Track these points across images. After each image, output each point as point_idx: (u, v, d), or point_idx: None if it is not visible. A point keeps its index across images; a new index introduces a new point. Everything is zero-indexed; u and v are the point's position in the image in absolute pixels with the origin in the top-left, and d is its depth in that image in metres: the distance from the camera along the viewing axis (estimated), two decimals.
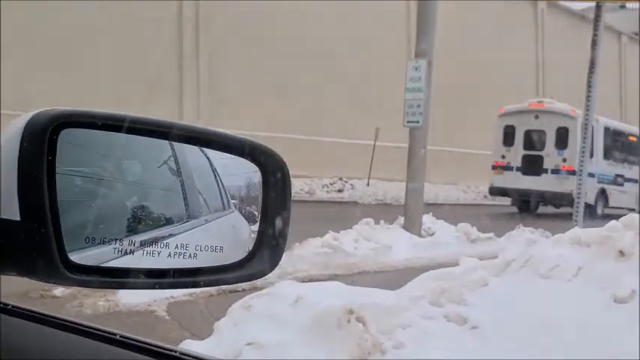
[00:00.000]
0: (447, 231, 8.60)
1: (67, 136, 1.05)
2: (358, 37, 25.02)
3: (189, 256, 1.26)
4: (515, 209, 21.69)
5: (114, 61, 19.15)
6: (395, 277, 7.06)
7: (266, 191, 1.35)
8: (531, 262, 4.26)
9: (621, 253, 4.01)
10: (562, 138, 19.57)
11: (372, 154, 23.97)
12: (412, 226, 8.17)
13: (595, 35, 6.26)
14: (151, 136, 1.24)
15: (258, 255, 1.31)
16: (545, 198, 19.96)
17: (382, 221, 8.26)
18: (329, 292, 4.56)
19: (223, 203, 1.50)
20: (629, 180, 21.54)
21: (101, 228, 1.15)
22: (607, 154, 21.21)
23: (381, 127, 23.90)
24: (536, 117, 19.44)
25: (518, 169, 20.53)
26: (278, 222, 1.31)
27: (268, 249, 1.31)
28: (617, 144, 21.89)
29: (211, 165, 1.46)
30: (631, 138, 22.29)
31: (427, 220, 8.64)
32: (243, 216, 1.43)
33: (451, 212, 18.76)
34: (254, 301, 4.61)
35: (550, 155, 19.91)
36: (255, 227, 1.35)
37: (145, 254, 1.20)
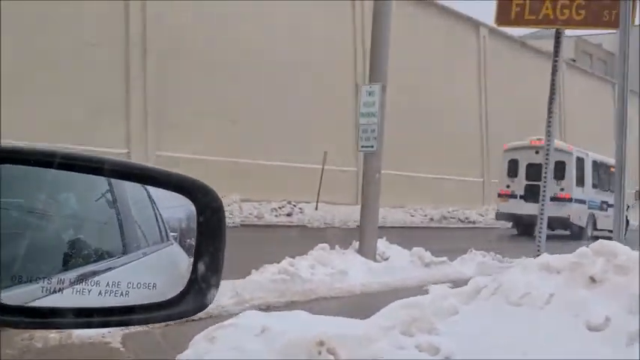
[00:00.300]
0: (401, 255, 8.53)
1: (3, 170, 1.04)
2: (306, 61, 25.09)
3: (121, 293, 1.26)
4: (514, 231, 24.11)
5: (59, 85, 18.73)
6: (352, 303, 6.94)
7: (200, 227, 1.35)
8: (501, 289, 4.19)
9: (592, 279, 3.98)
10: (559, 170, 21.78)
11: (320, 178, 23.93)
12: (367, 251, 8.08)
13: (555, 61, 6.37)
14: (84, 172, 1.24)
15: (192, 292, 1.30)
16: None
17: (337, 246, 8.12)
18: (295, 322, 4.42)
19: (162, 236, 1.53)
20: (611, 206, 23.87)
21: (30, 265, 1.13)
22: (595, 184, 24.56)
23: (329, 151, 23.94)
24: (537, 152, 21.00)
25: (521, 197, 23.21)
26: (212, 258, 1.32)
27: (202, 286, 1.30)
28: (602, 174, 25.09)
29: (150, 197, 1.48)
30: (611, 169, 23.53)
31: (381, 244, 8.56)
32: (184, 248, 1.42)
33: (401, 235, 18.82)
34: (218, 332, 4.43)
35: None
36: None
37: (74, 292, 1.18)
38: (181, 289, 1.33)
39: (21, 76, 18.01)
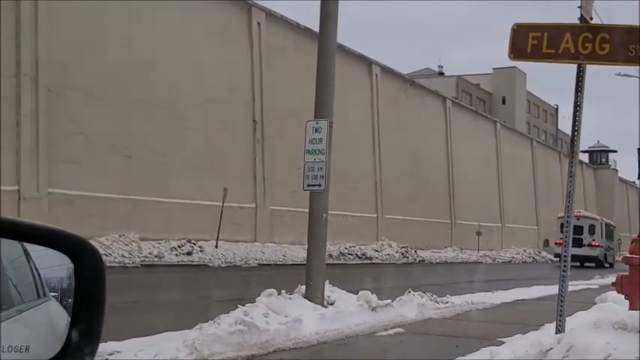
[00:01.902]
0: (347, 299, 8.25)
1: None
2: (203, 97, 24.71)
3: None
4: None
5: None
6: (311, 355, 6.60)
7: (78, 283, 1.27)
8: (575, 351, 3.91)
9: None
10: (592, 229, 39.70)
11: (220, 215, 23.44)
12: (315, 296, 7.77)
13: (577, 97, 6.20)
14: None
15: (69, 354, 1.22)
16: (583, 258, 37.18)
17: (283, 292, 7.74)
18: None
19: (38, 292, 1.47)
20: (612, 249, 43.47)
21: None
22: (606, 236, 41.54)
23: (227, 187, 23.49)
24: (578, 219, 32.01)
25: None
26: (90, 323, 1.25)
27: (81, 347, 1.23)
28: (608, 231, 43.13)
29: (25, 252, 1.41)
30: (612, 227, 44.75)
31: (325, 288, 8.24)
32: (64, 307, 1.35)
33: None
34: None
35: (586, 237, 38.65)
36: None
37: None
38: (57, 350, 1.24)
39: None
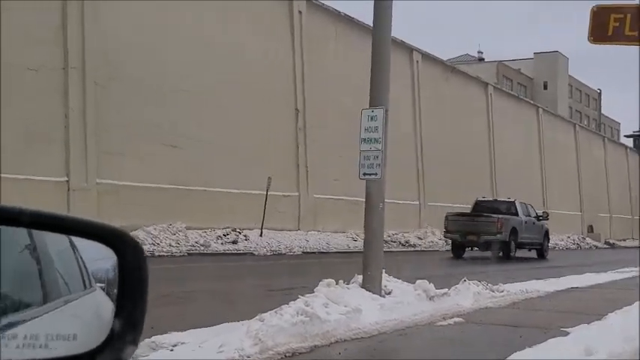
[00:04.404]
0: (404, 288, 8.19)
1: None
2: (246, 86, 24.74)
3: (40, 346, 1.22)
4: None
5: None
6: (373, 346, 6.57)
7: (122, 275, 1.32)
8: None
9: None
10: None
11: (264, 204, 23.50)
12: (372, 286, 7.71)
13: None
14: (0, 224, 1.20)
15: (113, 343, 1.26)
16: None
17: (341, 281, 7.72)
18: None
19: (84, 283, 1.52)
20: None
21: None
22: None
23: (271, 176, 23.55)
24: None
25: None
26: (132, 313, 1.29)
27: (124, 336, 1.27)
28: None
29: (72, 244, 1.47)
30: None
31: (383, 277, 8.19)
32: (110, 298, 1.38)
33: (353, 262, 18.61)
34: None
35: None
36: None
37: None
38: (104, 335, 1.28)
39: None
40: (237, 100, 24.53)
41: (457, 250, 24.45)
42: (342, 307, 6.99)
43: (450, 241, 25.64)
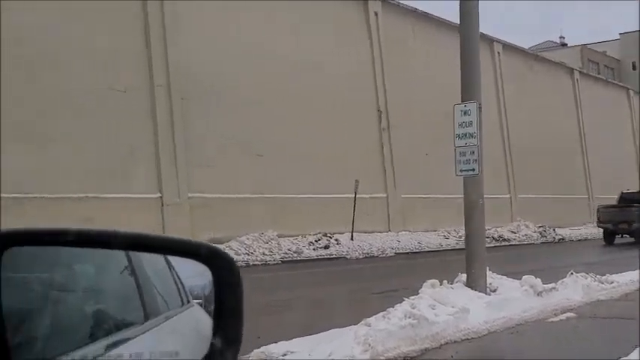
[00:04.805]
0: (509, 284, 7.94)
1: (12, 254, 1.03)
2: (327, 90, 24.77)
3: None
4: None
5: (88, 132, 18.39)
6: (485, 346, 6.38)
7: (218, 291, 1.34)
8: None
9: None
10: None
11: (353, 207, 23.45)
12: (477, 284, 7.52)
13: None
14: (94, 247, 1.24)
15: (215, 354, 1.28)
16: None
17: (445, 281, 7.54)
18: None
19: (182, 299, 1.56)
20: None
21: (51, 342, 1.11)
22: None
23: (358, 179, 23.46)
24: None
25: None
26: (231, 327, 1.30)
27: (224, 351, 1.28)
28: None
29: (169, 264, 1.49)
30: None
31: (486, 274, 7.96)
32: (209, 314, 1.39)
33: (448, 260, 18.28)
34: None
35: None
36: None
37: None
38: (204, 354, 1.30)
39: (49, 125, 17.62)
40: (319, 106, 24.58)
41: (609, 237, 27.40)
42: (449, 307, 6.84)
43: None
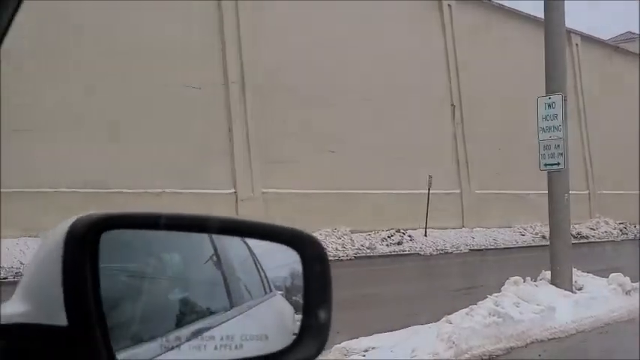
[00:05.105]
0: (596, 283, 7.66)
1: (107, 237, 1.06)
2: (399, 85, 24.51)
3: (236, 346, 1.27)
4: None
5: (162, 130, 18.70)
6: (574, 346, 6.15)
7: (307, 277, 1.34)
8: None
9: None
10: None
11: (427, 203, 23.18)
12: (562, 282, 7.29)
13: None
14: (187, 231, 1.29)
15: (303, 341, 1.29)
16: None
17: (529, 278, 7.33)
18: None
19: (264, 288, 1.58)
20: None
21: (146, 324, 1.17)
22: None
23: (431, 174, 23.19)
24: None
25: None
26: (321, 306, 1.31)
27: (313, 334, 1.29)
28: None
29: (251, 251, 1.52)
30: None
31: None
32: (290, 303, 1.42)
33: (526, 257, 17.89)
34: None
35: None
36: (299, 316, 1.34)
37: (191, 348, 1.20)
38: (289, 338, 1.32)
39: (125, 123, 18.01)
40: (392, 101, 24.38)
41: None
42: (533, 305, 6.65)
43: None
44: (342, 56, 23.07)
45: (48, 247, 1.05)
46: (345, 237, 20.63)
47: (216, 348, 1.25)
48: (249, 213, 19.66)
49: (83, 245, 1.02)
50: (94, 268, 1.03)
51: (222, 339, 1.27)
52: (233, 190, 20.22)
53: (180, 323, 1.24)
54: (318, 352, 1.30)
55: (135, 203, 17.17)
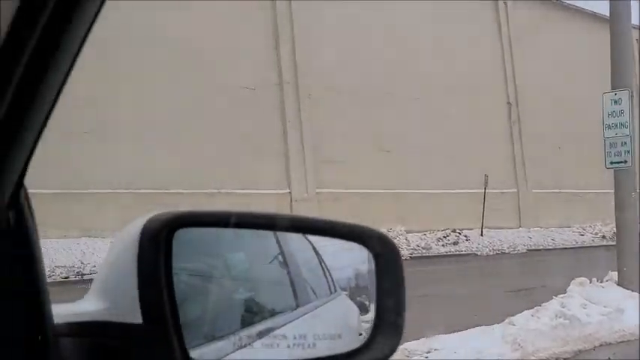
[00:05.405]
0: None
1: (180, 236, 1.08)
2: (453, 84, 24.26)
3: (309, 345, 1.27)
4: None
5: (218, 130, 18.90)
6: None
7: (379, 275, 1.33)
8: None
9: None
10: None
11: (483, 202, 22.88)
12: (630, 283, 7.05)
13: None
14: (257, 229, 1.30)
15: (376, 340, 1.27)
16: None
17: (594, 279, 7.13)
18: None
19: (329, 288, 1.56)
20: None
21: (215, 322, 1.20)
22: None
23: (487, 174, 22.88)
24: None
25: None
26: (394, 305, 1.30)
27: (386, 333, 1.28)
28: None
29: (315, 251, 1.50)
30: None
31: None
32: (355, 304, 1.41)
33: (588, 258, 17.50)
34: None
35: None
36: (366, 317, 1.33)
37: (263, 346, 1.21)
38: (356, 338, 1.32)
39: (181, 124, 18.21)
40: (447, 100, 24.13)
41: None
42: (601, 307, 6.47)
43: None
44: (397, 55, 22.92)
45: (122, 245, 1.07)
46: (400, 237, 20.48)
47: (289, 347, 1.25)
48: (304, 213, 19.65)
49: (157, 244, 1.04)
50: (168, 266, 1.04)
51: (294, 338, 1.27)
52: (287, 191, 20.29)
53: (248, 322, 1.24)
54: (392, 351, 1.28)
55: (190, 204, 17.35)
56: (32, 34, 0.82)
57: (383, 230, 1.41)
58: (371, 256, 1.34)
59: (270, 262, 1.44)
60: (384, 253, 1.34)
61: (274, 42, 20.70)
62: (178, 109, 18.22)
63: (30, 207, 0.95)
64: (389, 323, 1.29)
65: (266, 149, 19.99)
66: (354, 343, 1.32)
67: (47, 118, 0.91)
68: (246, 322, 1.24)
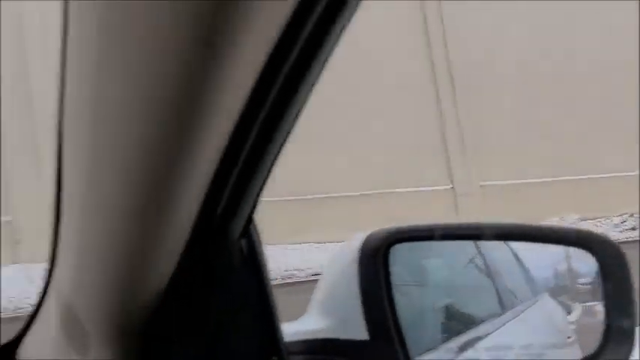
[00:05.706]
0: None
1: (395, 251, 1.13)
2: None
3: (536, 355, 1.32)
4: None
5: (375, 132, 19.11)
6: None
7: (605, 281, 1.32)
8: None
9: None
10: None
11: None
12: None
13: None
14: (465, 239, 1.36)
15: (608, 348, 1.25)
16: None
17: None
18: None
19: (531, 290, 1.61)
20: None
21: (428, 332, 1.24)
22: None
23: None
24: None
25: None
26: (622, 312, 1.27)
27: (616, 341, 1.25)
28: None
29: (513, 252, 1.56)
30: None
31: None
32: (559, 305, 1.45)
33: None
34: None
35: None
36: (570, 317, 1.38)
37: (488, 356, 1.26)
38: (564, 341, 1.36)
39: (341, 128, 18.55)
40: (614, 81, 22.93)
41: None
42: None
43: None
44: (553, 47, 22.13)
45: (341, 263, 1.11)
46: (574, 226, 19.72)
47: (516, 356, 1.29)
48: (469, 207, 19.49)
49: (378, 259, 1.08)
50: (388, 281, 1.08)
51: (520, 348, 1.32)
52: (450, 186, 20.18)
53: (457, 330, 1.28)
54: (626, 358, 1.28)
55: (354, 206, 17.61)
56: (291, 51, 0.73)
57: (606, 236, 1.45)
58: (597, 262, 1.34)
59: (471, 268, 1.48)
60: (609, 258, 1.33)
61: (426, 41, 20.81)
62: (336, 112, 18.57)
63: (259, 236, 0.95)
64: (619, 330, 1.28)
65: (424, 146, 19.97)
66: (575, 350, 1.35)
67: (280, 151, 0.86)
68: (455, 331, 1.28)
